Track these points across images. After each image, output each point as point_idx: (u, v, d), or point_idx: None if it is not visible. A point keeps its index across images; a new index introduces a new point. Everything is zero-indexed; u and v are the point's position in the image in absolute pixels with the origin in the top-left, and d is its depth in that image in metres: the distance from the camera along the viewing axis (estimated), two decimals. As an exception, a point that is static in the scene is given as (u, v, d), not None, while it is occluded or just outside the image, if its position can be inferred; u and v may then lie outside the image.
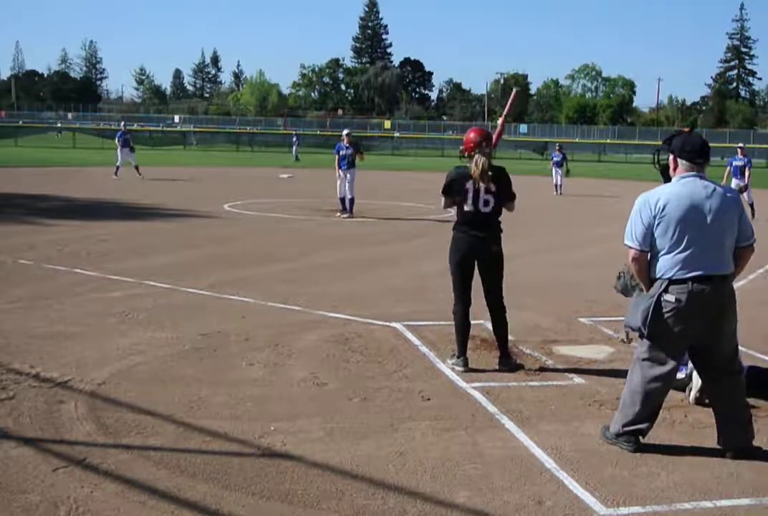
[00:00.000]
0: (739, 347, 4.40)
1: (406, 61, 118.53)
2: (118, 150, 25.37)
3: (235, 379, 5.35)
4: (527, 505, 3.65)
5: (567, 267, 10.58)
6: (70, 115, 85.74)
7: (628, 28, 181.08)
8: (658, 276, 4.18)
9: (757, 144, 53.45)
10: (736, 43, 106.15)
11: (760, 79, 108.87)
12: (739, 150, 18.60)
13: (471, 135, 5.81)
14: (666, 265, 4.14)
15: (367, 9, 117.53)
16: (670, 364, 4.23)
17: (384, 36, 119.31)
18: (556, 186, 24.34)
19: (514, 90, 7.42)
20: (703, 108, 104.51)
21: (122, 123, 29.50)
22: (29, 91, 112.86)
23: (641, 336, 4.26)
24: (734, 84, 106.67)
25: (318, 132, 69.71)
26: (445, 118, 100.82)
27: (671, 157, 4.27)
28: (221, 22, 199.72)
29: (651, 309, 4.13)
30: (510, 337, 6.60)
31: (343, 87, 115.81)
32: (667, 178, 4.37)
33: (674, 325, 4.13)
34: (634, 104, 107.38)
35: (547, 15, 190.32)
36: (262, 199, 19.22)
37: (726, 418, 4.27)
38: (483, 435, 4.48)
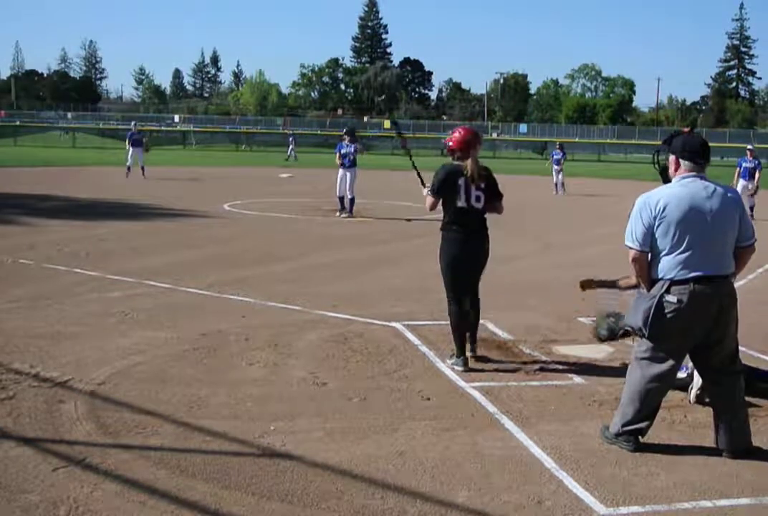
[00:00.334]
0: (740, 347, 4.41)
1: (406, 61, 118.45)
2: (129, 150, 25.28)
3: (235, 379, 5.35)
4: (527, 505, 3.65)
5: (567, 267, 10.57)
6: (69, 115, 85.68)
7: (627, 28, 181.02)
8: (659, 277, 4.18)
9: (756, 144, 53.15)
10: (736, 42, 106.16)
11: (759, 78, 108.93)
12: (748, 152, 18.54)
13: (462, 135, 5.84)
14: (667, 265, 4.14)
15: (366, 9, 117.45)
16: (669, 363, 4.24)
17: (384, 36, 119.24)
18: (555, 185, 24.36)
19: None
20: (703, 108, 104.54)
21: (133, 123, 29.38)
22: (29, 91, 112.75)
23: (642, 336, 4.26)
24: (734, 83, 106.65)
25: (319, 132, 69.70)
26: (444, 117, 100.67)
27: (672, 157, 4.27)
28: (221, 22, 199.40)
29: (652, 309, 4.13)
30: (510, 337, 6.63)
31: (342, 87, 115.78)
32: (666, 179, 4.37)
33: (675, 326, 4.13)
34: (634, 104, 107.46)
35: (546, 15, 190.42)
36: (262, 198, 19.22)
37: (726, 418, 4.27)
38: (483, 435, 4.48)
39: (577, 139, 63.56)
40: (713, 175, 4.53)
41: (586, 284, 5.60)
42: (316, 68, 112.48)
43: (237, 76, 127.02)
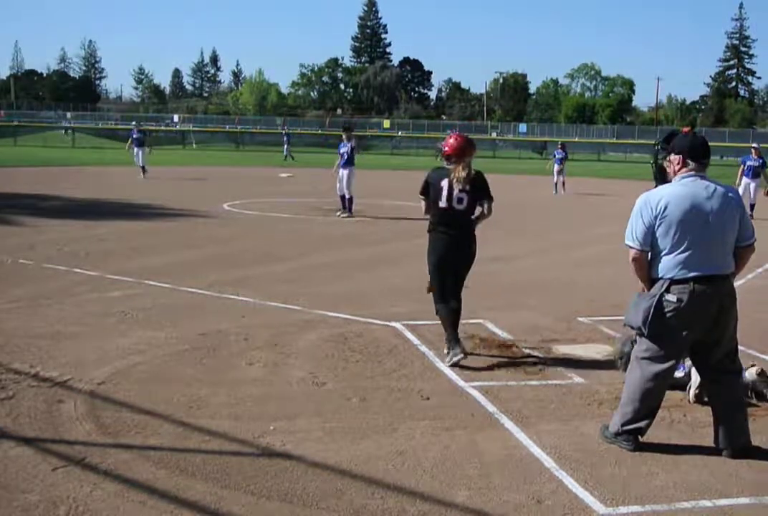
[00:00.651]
0: (739, 347, 4.41)
1: (405, 61, 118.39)
2: (134, 150, 25.28)
3: (235, 379, 5.35)
4: (526, 505, 3.65)
5: (567, 267, 10.58)
6: (69, 115, 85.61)
7: (627, 28, 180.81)
8: (659, 276, 4.19)
9: (756, 143, 53.35)
10: (736, 42, 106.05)
11: (759, 78, 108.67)
12: (753, 150, 18.53)
13: (457, 142, 6.00)
14: (667, 265, 4.15)
15: (366, 8, 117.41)
16: (669, 363, 4.24)
17: (383, 35, 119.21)
18: (555, 185, 24.35)
19: None
20: (703, 107, 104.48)
21: (133, 122, 29.31)
22: (28, 91, 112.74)
23: (641, 335, 4.26)
24: (733, 83, 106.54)
25: (319, 131, 69.63)
26: (444, 117, 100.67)
27: (677, 157, 4.24)
28: (220, 22, 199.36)
29: (652, 309, 4.14)
30: (510, 337, 6.63)
31: (342, 86, 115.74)
32: (662, 179, 4.37)
33: (675, 325, 4.14)
34: (634, 103, 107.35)
35: (546, 14, 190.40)
36: (262, 198, 19.21)
37: (725, 418, 4.27)
38: (482, 434, 4.48)
39: (576, 139, 63.53)
40: (713, 174, 4.53)
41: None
42: (316, 68, 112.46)
43: (236, 75, 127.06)
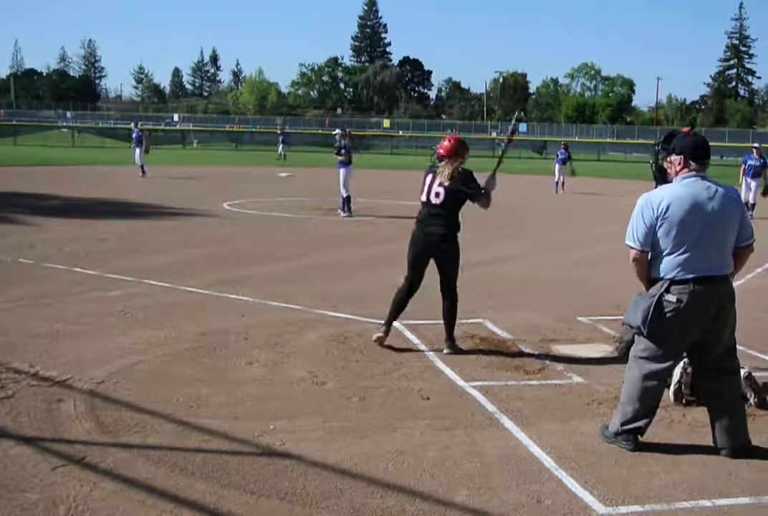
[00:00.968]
0: (739, 347, 4.42)
1: (405, 60, 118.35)
2: (135, 149, 25.33)
3: (235, 379, 5.35)
4: (526, 504, 3.65)
5: (567, 267, 10.57)
6: (69, 114, 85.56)
7: (627, 27, 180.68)
8: (659, 276, 4.19)
9: (757, 143, 53.36)
10: (735, 42, 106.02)
11: (759, 78, 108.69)
12: (754, 150, 18.56)
13: (451, 144, 6.09)
14: (668, 265, 4.15)
15: (366, 8, 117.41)
16: (667, 362, 4.25)
17: (383, 35, 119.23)
18: (556, 184, 24.34)
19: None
20: (702, 107, 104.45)
21: (132, 122, 29.35)
22: (28, 90, 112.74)
23: (641, 335, 4.27)
24: (733, 83, 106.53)
25: (320, 131, 69.57)
26: (444, 117, 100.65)
27: (678, 157, 4.23)
28: (220, 21, 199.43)
29: (652, 308, 4.14)
30: (510, 336, 6.63)
31: (342, 86, 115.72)
32: (662, 179, 4.36)
33: (674, 325, 4.14)
34: (633, 103, 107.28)
35: (546, 14, 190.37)
36: (262, 198, 19.21)
37: (724, 417, 4.27)
38: (482, 434, 4.48)
39: (576, 139, 63.49)
40: (714, 174, 4.53)
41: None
42: (316, 67, 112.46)
43: (236, 75, 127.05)
